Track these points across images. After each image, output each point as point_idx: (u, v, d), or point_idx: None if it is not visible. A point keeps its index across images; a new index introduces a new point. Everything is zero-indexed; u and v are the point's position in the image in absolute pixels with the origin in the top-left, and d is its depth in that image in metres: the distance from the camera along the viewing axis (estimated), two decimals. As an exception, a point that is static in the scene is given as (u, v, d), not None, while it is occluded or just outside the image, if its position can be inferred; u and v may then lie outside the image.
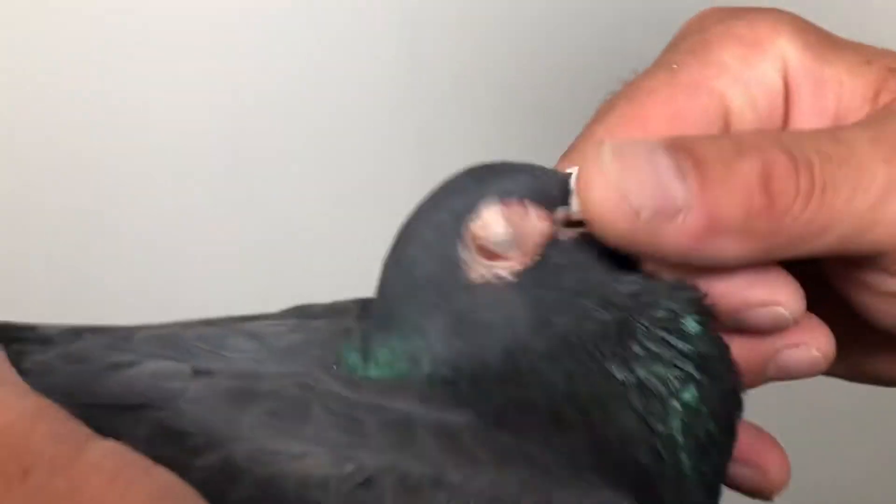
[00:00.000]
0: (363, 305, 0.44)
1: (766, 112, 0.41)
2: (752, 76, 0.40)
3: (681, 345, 0.39)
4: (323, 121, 0.77)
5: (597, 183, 0.37)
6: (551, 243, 0.41)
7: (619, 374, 0.39)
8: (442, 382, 0.40)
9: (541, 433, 0.37)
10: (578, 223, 0.40)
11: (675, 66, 0.41)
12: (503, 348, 0.40)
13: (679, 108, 0.41)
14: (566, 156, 0.44)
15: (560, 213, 0.41)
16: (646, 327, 0.40)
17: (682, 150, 0.36)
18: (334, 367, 0.40)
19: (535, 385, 0.39)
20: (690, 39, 0.41)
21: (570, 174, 0.41)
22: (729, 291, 0.38)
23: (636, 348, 0.39)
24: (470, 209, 0.42)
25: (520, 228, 0.42)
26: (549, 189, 0.42)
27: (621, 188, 0.36)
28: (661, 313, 0.39)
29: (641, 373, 0.38)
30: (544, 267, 0.41)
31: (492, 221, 0.42)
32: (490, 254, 0.41)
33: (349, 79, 0.77)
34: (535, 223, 0.42)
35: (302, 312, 0.45)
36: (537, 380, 0.39)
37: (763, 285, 0.38)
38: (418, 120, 0.78)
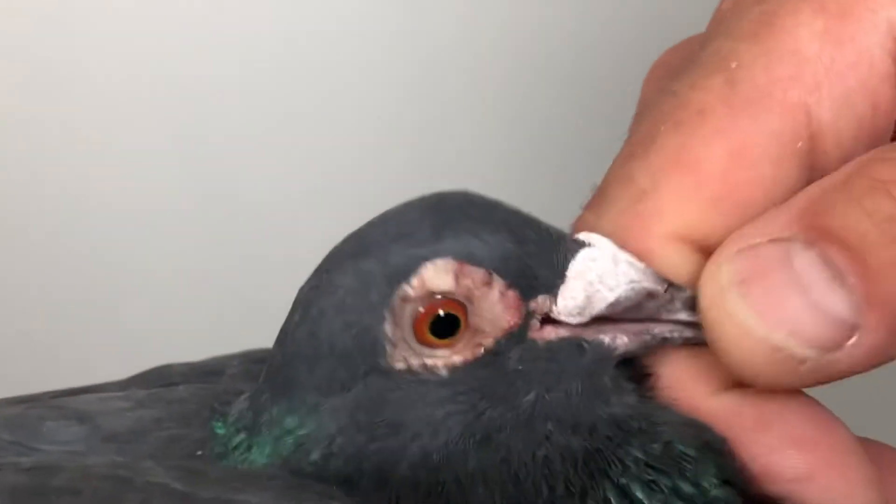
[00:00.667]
0: (247, 360, 0.41)
1: (874, 117, 0.30)
2: (845, 63, 0.29)
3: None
4: (319, 126, 0.78)
5: (731, 331, 0.32)
6: (514, 339, 0.40)
7: None
8: (336, 477, 0.37)
9: None
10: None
11: (733, 66, 0.31)
12: (418, 461, 0.38)
13: (743, 137, 0.31)
14: (592, 207, 0.39)
15: (541, 303, 0.40)
16: (633, 464, 0.37)
17: (824, 237, 0.28)
18: (199, 450, 0.36)
19: None
20: (748, 14, 0.30)
21: (584, 246, 0.40)
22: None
23: (611, 491, 0.37)
24: (410, 267, 0.39)
25: (474, 307, 0.40)
26: (535, 265, 0.40)
27: (768, 338, 0.30)
28: (657, 448, 0.37)
29: None
30: (496, 369, 0.39)
31: (435, 287, 0.39)
32: (424, 336, 0.39)
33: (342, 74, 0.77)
34: (497, 306, 0.40)
35: (160, 377, 0.41)
36: None
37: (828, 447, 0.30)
38: (416, 121, 0.79)
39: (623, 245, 0.37)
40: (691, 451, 0.37)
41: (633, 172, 0.36)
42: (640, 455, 0.38)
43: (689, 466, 0.37)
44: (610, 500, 0.37)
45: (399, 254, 0.40)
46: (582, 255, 0.42)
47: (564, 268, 0.39)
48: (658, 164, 0.34)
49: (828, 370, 0.29)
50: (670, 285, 0.40)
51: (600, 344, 0.40)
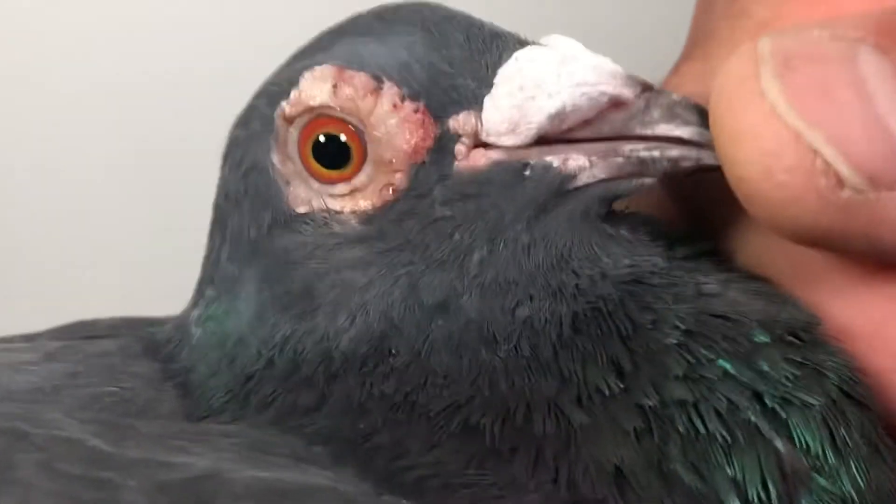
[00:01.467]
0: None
1: None
2: None
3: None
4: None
5: (750, 120, 0.26)
6: (433, 172, 0.33)
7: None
8: (296, 400, 0.32)
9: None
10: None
11: None
12: (351, 347, 0.33)
13: None
14: (693, 56, 0.34)
15: (462, 120, 0.33)
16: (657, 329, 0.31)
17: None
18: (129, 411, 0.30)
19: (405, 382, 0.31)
20: None
21: (526, 46, 0.33)
22: None
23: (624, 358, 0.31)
24: (290, 81, 0.33)
25: (367, 127, 0.33)
26: (453, 71, 0.33)
27: (802, 134, 0.24)
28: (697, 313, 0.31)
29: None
30: (420, 215, 0.33)
31: (311, 99, 0.33)
32: (310, 164, 0.33)
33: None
34: (392, 123, 0.33)
35: (82, 329, 0.37)
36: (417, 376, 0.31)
37: None
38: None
39: None
40: (760, 334, 0.31)
41: (747, 8, 0.32)
42: (670, 320, 0.31)
43: (745, 343, 0.30)
44: (623, 368, 0.30)
45: (284, 70, 0.35)
46: (516, 55, 0.33)
47: (493, 76, 0.32)
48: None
49: (868, 215, 0.24)
50: (646, 88, 0.33)
51: (546, 167, 0.32)
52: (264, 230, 0.33)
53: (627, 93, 0.32)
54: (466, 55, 0.33)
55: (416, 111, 0.33)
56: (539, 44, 0.34)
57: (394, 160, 0.32)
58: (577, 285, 0.32)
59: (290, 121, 0.33)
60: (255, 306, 0.33)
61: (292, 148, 0.33)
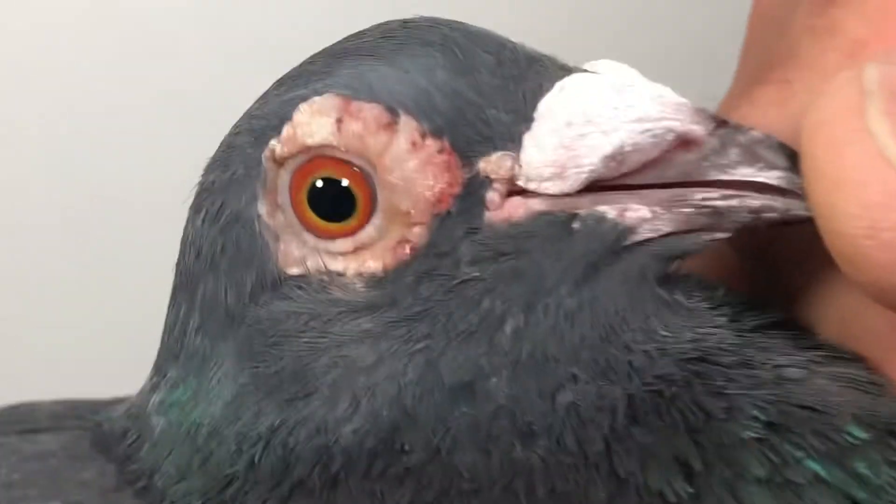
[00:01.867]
0: None
1: None
2: None
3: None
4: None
5: (856, 164, 0.24)
6: (459, 225, 0.28)
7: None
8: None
9: None
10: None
11: None
12: (358, 438, 0.28)
13: None
14: (773, 79, 0.30)
15: (496, 162, 0.28)
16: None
17: None
18: None
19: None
20: None
21: (569, 73, 0.28)
22: None
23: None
24: (281, 115, 0.28)
25: (379, 170, 0.28)
26: (483, 103, 0.28)
27: None
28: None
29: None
30: (441, 277, 0.28)
31: (308, 137, 0.28)
32: (306, 216, 0.28)
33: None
34: (412, 165, 0.28)
35: (18, 420, 0.31)
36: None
37: None
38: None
39: None
40: (856, 430, 0.26)
41: (839, 23, 0.28)
42: (748, 412, 0.27)
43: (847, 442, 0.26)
44: (692, 468, 0.26)
45: (272, 101, 0.30)
46: (561, 84, 0.28)
47: (533, 108, 0.27)
48: (876, 7, 0.27)
49: None
50: (720, 124, 0.27)
51: (599, 219, 0.28)
52: (246, 296, 0.29)
53: (698, 129, 0.27)
54: (499, 83, 0.28)
55: (440, 151, 0.27)
56: (584, 70, 0.28)
57: (412, 210, 0.27)
58: (630, 363, 0.27)
59: (281, 162, 0.28)
60: (233, 390, 0.29)
61: (283, 195, 0.28)
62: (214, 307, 0.29)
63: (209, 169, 0.30)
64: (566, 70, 0.28)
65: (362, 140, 0.27)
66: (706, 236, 0.28)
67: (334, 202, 0.28)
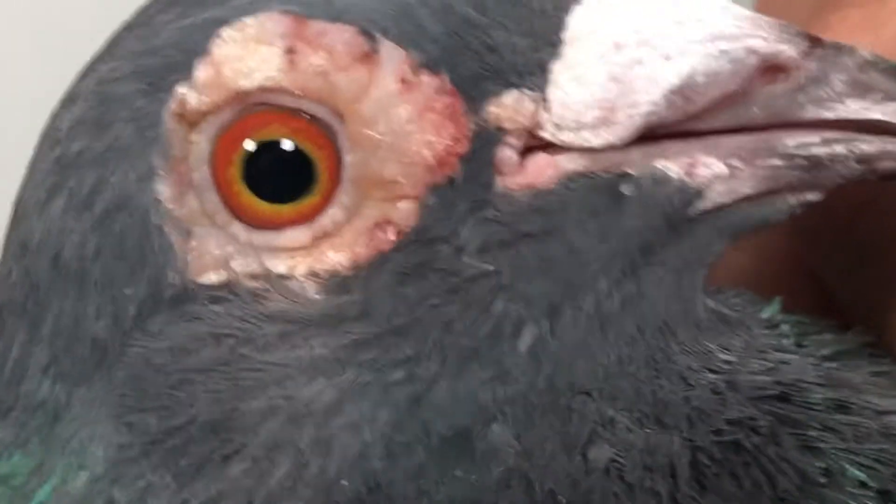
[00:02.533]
0: None
1: None
2: None
3: None
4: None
5: None
6: (459, 196, 0.21)
7: None
8: None
9: None
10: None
11: None
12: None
13: None
14: None
15: (512, 106, 0.20)
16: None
17: None
18: None
19: None
20: None
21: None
22: None
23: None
24: (191, 47, 0.21)
25: (348, 121, 0.20)
26: (488, 24, 0.21)
27: None
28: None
29: None
30: (432, 273, 0.21)
31: (244, 78, 0.20)
32: (236, 198, 0.21)
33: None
34: (402, 114, 0.20)
35: None
36: None
37: None
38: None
39: None
40: None
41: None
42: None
43: None
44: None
45: (167, 29, 0.21)
46: None
47: (559, 27, 0.20)
48: None
49: None
50: (814, 42, 0.21)
51: (658, 180, 0.21)
52: (128, 319, 0.21)
53: (789, 50, 0.20)
54: None
55: (440, 91, 0.20)
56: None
57: (400, 179, 0.20)
58: (689, 400, 0.21)
59: (195, 121, 0.21)
60: (106, 457, 0.22)
61: (200, 170, 0.21)
62: (75, 337, 0.22)
63: (71, 131, 0.22)
64: None
65: (327, 78, 0.20)
66: (794, 198, 0.21)
67: (282, 175, 0.20)
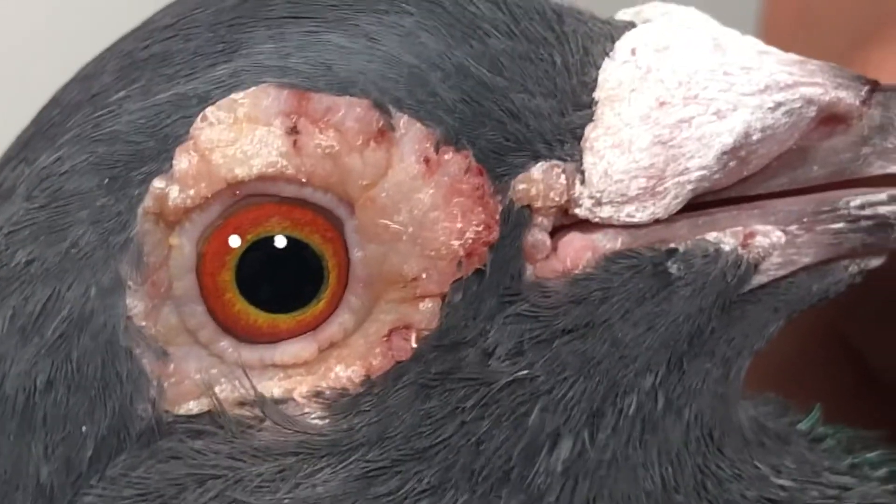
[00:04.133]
0: None
1: None
2: None
3: None
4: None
5: None
6: (487, 292, 0.18)
7: None
8: None
9: None
10: None
11: None
12: None
13: None
14: None
15: (542, 180, 0.18)
16: None
17: None
18: None
19: None
20: None
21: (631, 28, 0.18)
22: None
23: None
24: (169, 130, 0.18)
25: (364, 211, 0.18)
26: (508, 86, 0.18)
27: None
28: None
29: None
30: (457, 386, 0.18)
31: (232, 148, 0.17)
32: (227, 310, 0.18)
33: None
34: (423, 187, 0.18)
35: None
36: None
37: None
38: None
39: None
40: None
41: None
42: None
43: None
44: None
45: (128, 107, 0.18)
46: (629, 43, 0.18)
47: (589, 84, 0.18)
48: None
49: None
50: (874, 87, 0.18)
51: (711, 254, 0.18)
52: (83, 462, 0.18)
53: (849, 97, 0.18)
54: (521, 49, 0.18)
55: (466, 170, 0.17)
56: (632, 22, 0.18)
57: (423, 276, 0.17)
58: None
59: (174, 220, 0.17)
60: None
61: (183, 278, 0.17)
62: (13, 485, 0.18)
63: (11, 237, 0.18)
64: (618, 24, 0.18)
65: (337, 162, 0.17)
66: (855, 265, 0.19)
67: (283, 277, 0.17)
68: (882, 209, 0.18)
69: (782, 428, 0.20)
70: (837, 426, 0.22)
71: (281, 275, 0.17)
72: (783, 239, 0.18)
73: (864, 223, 0.18)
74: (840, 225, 0.18)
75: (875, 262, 0.19)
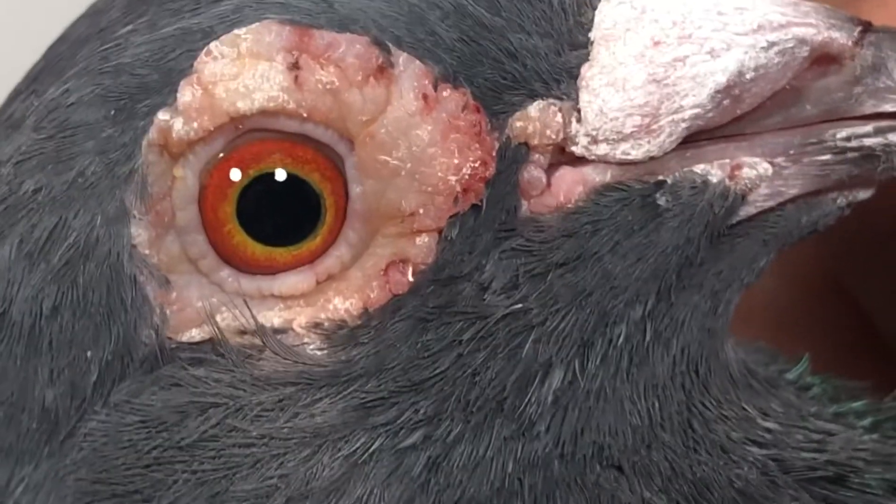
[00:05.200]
0: None
1: None
2: None
3: None
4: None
5: None
6: (485, 224, 0.18)
7: None
8: None
9: None
10: None
11: None
12: None
13: None
14: None
15: (539, 118, 0.18)
16: None
17: None
18: None
19: None
20: None
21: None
22: None
23: None
24: (171, 65, 0.18)
25: (372, 134, 0.18)
26: (504, 26, 0.18)
27: None
28: None
29: None
30: (455, 317, 0.18)
31: (235, 82, 0.17)
32: (228, 242, 0.18)
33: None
34: (421, 123, 0.18)
35: None
36: None
37: None
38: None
39: None
40: None
41: None
42: None
43: None
44: None
45: (134, 41, 0.18)
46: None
47: (585, 24, 0.18)
48: None
49: None
50: (866, 27, 0.18)
51: (699, 185, 0.19)
52: (87, 387, 0.18)
53: (841, 38, 0.18)
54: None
55: (464, 107, 0.17)
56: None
57: (421, 210, 0.17)
58: (731, 480, 0.19)
59: (178, 152, 0.17)
60: None
61: (186, 209, 0.18)
62: (20, 406, 0.19)
63: (19, 166, 0.18)
64: None
65: (337, 97, 0.17)
66: (843, 198, 0.19)
67: (282, 211, 0.17)
68: (868, 141, 0.19)
69: (771, 374, 0.21)
70: (825, 375, 0.22)
71: (280, 210, 0.18)
72: (770, 170, 0.19)
73: (850, 155, 0.19)
74: (826, 157, 0.19)
75: (863, 195, 0.20)
